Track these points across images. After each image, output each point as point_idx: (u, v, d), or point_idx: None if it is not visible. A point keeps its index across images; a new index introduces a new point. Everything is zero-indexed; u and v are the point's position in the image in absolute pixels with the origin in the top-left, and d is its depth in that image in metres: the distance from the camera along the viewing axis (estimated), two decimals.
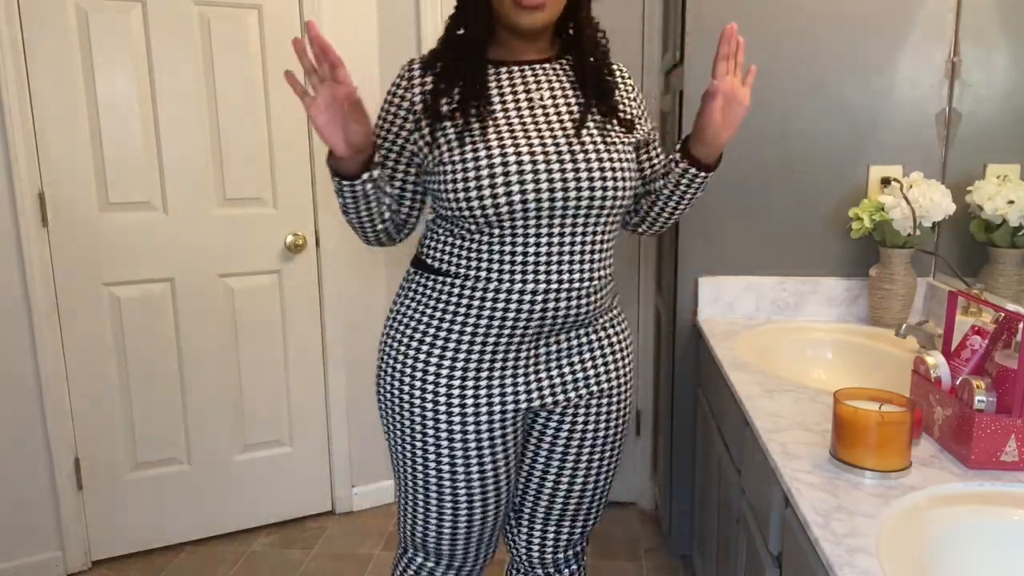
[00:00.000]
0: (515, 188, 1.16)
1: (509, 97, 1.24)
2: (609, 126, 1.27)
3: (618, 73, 1.36)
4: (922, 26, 1.80)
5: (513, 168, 1.16)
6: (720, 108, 1.24)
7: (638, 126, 1.34)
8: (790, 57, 1.85)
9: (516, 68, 1.27)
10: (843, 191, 1.90)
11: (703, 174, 1.30)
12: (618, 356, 1.37)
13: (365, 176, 1.17)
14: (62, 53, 2.13)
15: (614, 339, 1.36)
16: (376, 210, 1.24)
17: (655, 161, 1.40)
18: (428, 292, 1.27)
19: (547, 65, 1.29)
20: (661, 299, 2.40)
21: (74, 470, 2.30)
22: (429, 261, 1.28)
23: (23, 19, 2.08)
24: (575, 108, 1.26)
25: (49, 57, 2.12)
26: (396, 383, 1.28)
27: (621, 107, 1.32)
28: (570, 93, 1.27)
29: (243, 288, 2.45)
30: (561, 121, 1.24)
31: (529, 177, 1.17)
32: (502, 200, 1.16)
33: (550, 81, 1.27)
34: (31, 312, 2.17)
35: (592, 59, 1.29)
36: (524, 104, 1.24)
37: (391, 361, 1.29)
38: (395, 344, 1.29)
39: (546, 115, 1.23)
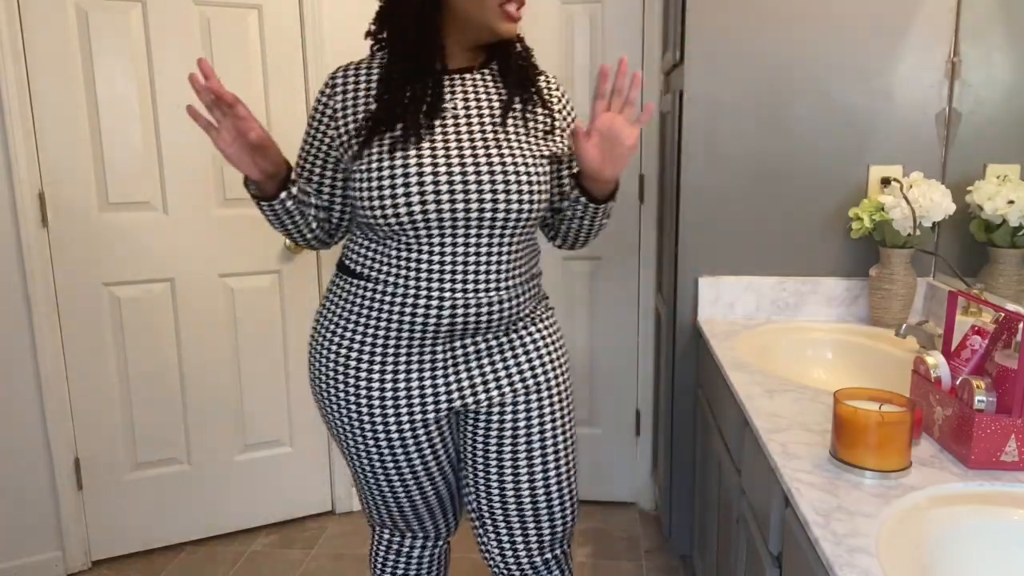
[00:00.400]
0: (415, 199, 1.18)
1: (439, 105, 1.27)
2: (528, 135, 1.28)
3: (545, 82, 1.36)
4: (922, 26, 1.80)
5: (414, 179, 1.19)
6: (596, 146, 1.21)
7: (559, 137, 1.33)
8: (790, 57, 1.85)
9: (446, 77, 1.28)
10: (843, 191, 1.90)
11: (595, 205, 1.29)
12: (543, 355, 1.35)
13: (283, 195, 1.22)
14: (62, 53, 2.13)
15: (539, 340, 1.35)
16: (302, 222, 1.30)
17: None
18: (347, 296, 1.30)
19: (475, 73, 1.31)
20: (661, 299, 2.40)
21: (74, 470, 2.30)
22: (349, 264, 1.32)
23: (23, 19, 2.08)
24: (497, 117, 1.27)
25: (49, 57, 2.12)
26: (322, 382, 1.33)
27: (542, 116, 1.32)
28: (494, 101, 1.29)
29: (243, 288, 2.45)
30: (481, 129, 1.25)
31: (430, 188, 1.19)
32: (403, 210, 1.19)
33: (476, 89, 1.29)
34: (31, 312, 2.17)
35: (517, 67, 1.31)
36: (449, 113, 1.25)
37: (315, 362, 1.33)
38: (319, 346, 1.33)
39: (468, 123, 1.25)
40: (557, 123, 1.33)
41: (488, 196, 1.20)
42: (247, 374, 2.49)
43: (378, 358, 1.27)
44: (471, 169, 1.20)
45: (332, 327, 1.31)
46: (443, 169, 1.20)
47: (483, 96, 1.28)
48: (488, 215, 1.21)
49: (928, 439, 1.17)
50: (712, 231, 1.96)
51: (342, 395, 1.30)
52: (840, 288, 1.92)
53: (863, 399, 1.08)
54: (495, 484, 1.36)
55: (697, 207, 1.95)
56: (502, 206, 1.21)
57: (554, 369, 1.37)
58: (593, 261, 2.60)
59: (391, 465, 1.34)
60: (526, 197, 1.23)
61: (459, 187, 1.19)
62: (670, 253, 2.07)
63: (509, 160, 1.23)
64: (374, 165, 1.21)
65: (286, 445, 2.59)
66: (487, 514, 1.39)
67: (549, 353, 1.37)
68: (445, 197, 1.19)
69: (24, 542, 2.26)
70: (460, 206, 1.19)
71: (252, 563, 2.38)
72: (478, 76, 1.30)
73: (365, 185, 1.21)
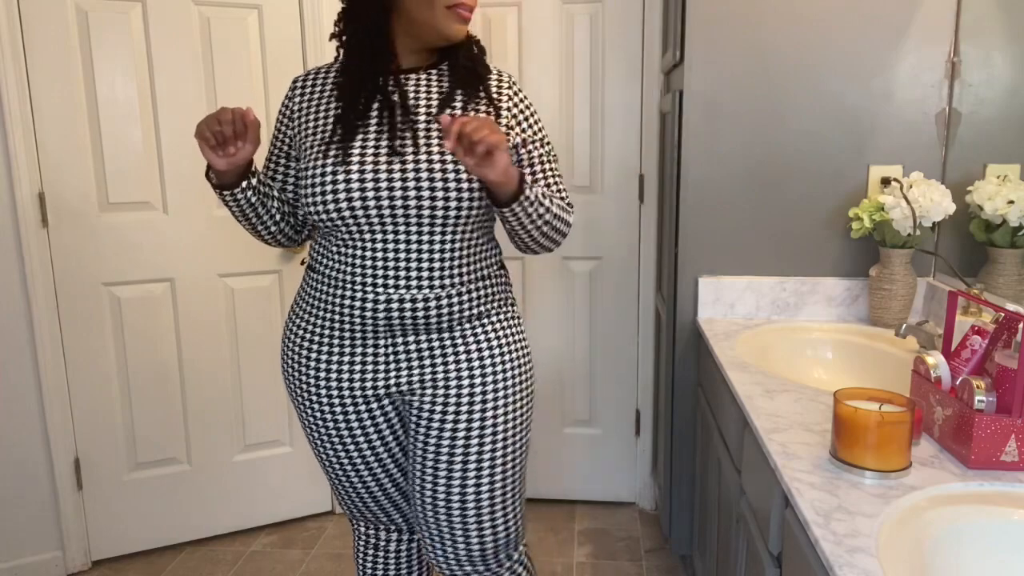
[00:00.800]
0: (342, 196, 1.22)
1: (379, 105, 1.29)
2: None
3: (496, 80, 1.34)
4: (922, 26, 1.80)
5: (341, 177, 1.22)
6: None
7: (505, 125, 1.30)
8: (790, 57, 1.85)
9: (392, 78, 1.31)
10: (843, 191, 1.90)
11: (501, 208, 1.22)
12: (487, 361, 1.32)
13: (244, 184, 1.27)
14: (62, 53, 2.13)
15: (484, 344, 1.33)
16: (265, 215, 1.34)
17: (536, 170, 1.34)
18: (305, 288, 1.37)
19: (421, 73, 1.32)
20: (661, 299, 2.40)
21: (74, 470, 2.30)
22: (310, 260, 1.37)
23: (23, 19, 2.08)
24: (434, 114, 1.28)
25: (49, 57, 2.12)
26: (284, 368, 1.40)
27: (483, 113, 1.30)
28: (433, 100, 1.29)
29: (243, 288, 2.45)
30: (413, 128, 1.26)
31: (356, 186, 1.22)
32: (332, 207, 1.22)
33: (418, 89, 1.31)
34: (31, 312, 2.17)
35: (463, 66, 1.31)
36: (423, 109, 1.28)
37: (282, 350, 1.41)
38: (285, 335, 1.41)
39: (402, 123, 1.27)
40: (503, 120, 1.31)
41: (413, 194, 1.22)
42: (247, 374, 2.49)
43: (325, 347, 1.32)
44: (397, 167, 1.22)
45: (293, 317, 1.39)
46: (370, 167, 1.23)
47: (423, 95, 1.30)
48: (414, 213, 1.23)
49: (928, 439, 1.17)
50: (712, 231, 1.96)
51: (297, 379, 1.37)
52: (840, 288, 1.92)
53: (863, 399, 1.08)
54: (427, 485, 1.34)
55: (697, 207, 1.95)
56: (427, 203, 1.22)
57: (502, 376, 1.33)
58: (593, 261, 2.60)
59: (340, 449, 1.38)
60: (453, 195, 1.23)
61: (384, 184, 1.22)
62: (670, 253, 2.07)
63: (437, 158, 1.23)
64: (311, 164, 1.26)
65: (286, 445, 2.59)
66: (419, 514, 1.37)
67: (495, 358, 1.33)
68: (371, 195, 1.22)
69: (24, 542, 2.26)
70: (385, 203, 1.22)
71: (252, 563, 2.38)
72: (423, 76, 1.32)
73: (304, 183, 1.26)
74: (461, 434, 1.31)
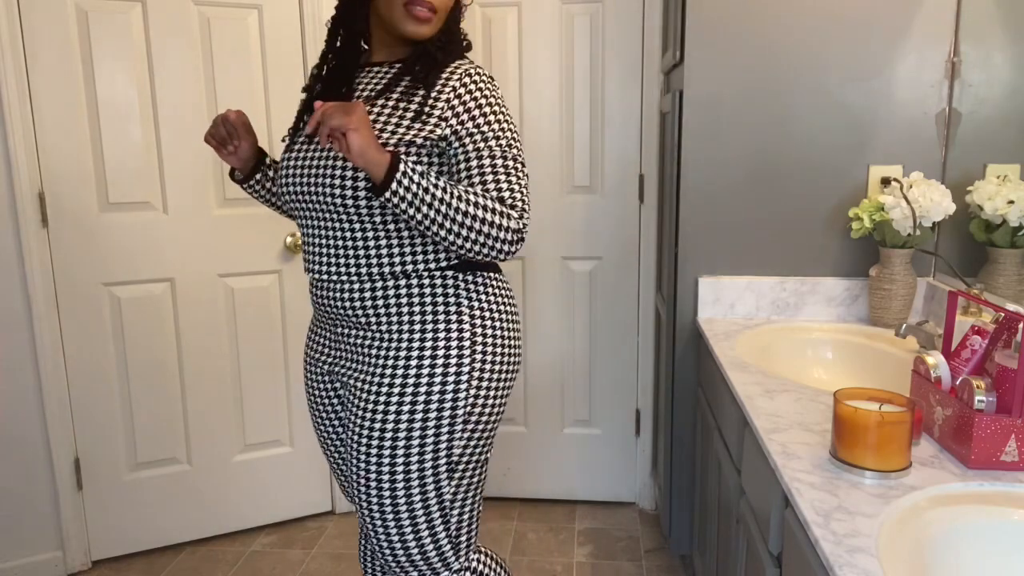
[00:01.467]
0: (280, 183, 1.34)
1: (364, 95, 1.33)
2: (389, 121, 1.25)
3: (448, 72, 1.27)
4: (922, 26, 1.80)
5: (282, 165, 1.34)
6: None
7: (434, 123, 1.24)
8: (790, 57, 1.85)
9: (367, 69, 1.36)
10: (843, 191, 1.90)
11: (376, 195, 1.15)
12: (394, 368, 1.28)
13: (258, 176, 1.46)
14: (62, 53, 2.13)
15: (399, 352, 1.28)
16: (280, 202, 1.45)
17: (461, 175, 1.25)
18: None
19: (386, 66, 1.34)
20: (661, 299, 2.40)
21: (74, 470, 2.30)
22: None
23: (23, 19, 2.08)
24: (371, 103, 1.29)
25: (49, 57, 2.12)
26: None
27: (418, 100, 1.25)
28: (377, 90, 1.31)
29: (243, 288, 2.45)
30: (382, 116, 1.28)
31: (288, 173, 1.32)
32: (279, 193, 1.36)
33: (375, 81, 1.33)
34: (31, 312, 2.17)
35: (424, 57, 1.28)
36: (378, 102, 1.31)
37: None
38: None
39: (377, 111, 1.31)
40: (436, 111, 1.24)
41: (318, 180, 1.26)
42: (247, 374, 2.49)
43: (311, 325, 1.46)
44: (311, 155, 1.29)
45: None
46: (295, 157, 1.32)
47: (372, 86, 1.32)
48: (324, 199, 1.25)
49: (928, 439, 1.17)
50: (712, 231, 1.96)
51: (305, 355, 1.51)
52: (840, 288, 1.92)
53: (863, 399, 1.08)
54: (352, 472, 1.33)
55: (697, 207, 1.95)
56: (328, 190, 1.24)
57: (413, 384, 1.27)
58: (593, 261, 2.60)
59: (315, 424, 1.50)
60: (338, 184, 1.23)
61: (304, 172, 1.28)
62: (670, 253, 2.07)
63: (328, 157, 1.26)
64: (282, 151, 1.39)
65: (286, 445, 2.59)
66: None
67: (407, 365, 1.27)
68: (295, 182, 1.30)
69: (24, 542, 2.26)
70: (303, 190, 1.29)
71: (252, 563, 2.38)
72: (386, 68, 1.33)
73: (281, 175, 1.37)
74: (365, 433, 1.29)
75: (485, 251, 1.21)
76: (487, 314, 1.32)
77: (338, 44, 1.37)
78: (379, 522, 1.30)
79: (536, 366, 2.69)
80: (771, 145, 1.90)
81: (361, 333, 1.32)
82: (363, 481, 1.29)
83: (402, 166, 1.11)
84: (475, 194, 1.18)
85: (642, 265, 2.57)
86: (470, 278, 1.31)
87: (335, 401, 1.44)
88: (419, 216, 1.15)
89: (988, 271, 1.59)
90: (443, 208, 1.15)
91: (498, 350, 1.32)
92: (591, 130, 2.52)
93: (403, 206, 1.13)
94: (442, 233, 1.17)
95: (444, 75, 1.27)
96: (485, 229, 1.18)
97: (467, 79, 1.26)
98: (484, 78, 1.28)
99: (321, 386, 1.44)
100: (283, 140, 1.41)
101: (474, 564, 1.39)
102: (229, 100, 2.33)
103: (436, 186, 1.14)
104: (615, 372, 2.66)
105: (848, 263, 1.93)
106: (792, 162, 1.90)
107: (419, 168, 1.14)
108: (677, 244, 1.99)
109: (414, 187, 1.12)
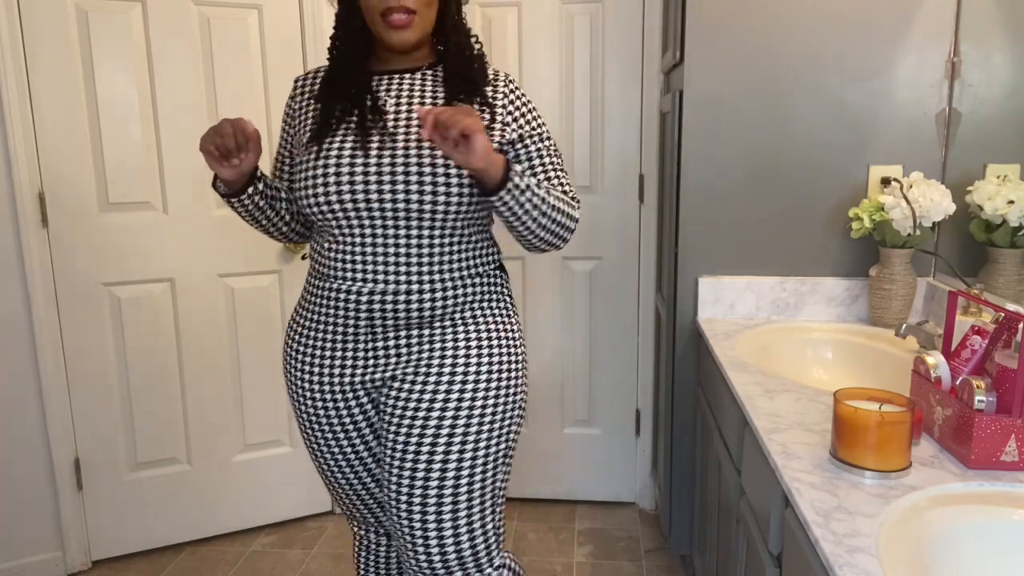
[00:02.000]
0: (332, 189, 1.25)
1: (372, 102, 1.31)
2: None
3: (493, 80, 1.35)
4: (922, 26, 1.80)
5: (332, 171, 1.25)
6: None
7: (497, 134, 1.31)
8: (790, 57, 1.85)
9: (386, 78, 1.34)
10: (843, 191, 1.90)
11: (488, 197, 1.21)
12: (461, 362, 1.31)
13: (250, 190, 1.29)
14: (62, 53, 2.13)
15: (461, 347, 1.31)
16: (274, 216, 1.37)
17: (535, 163, 1.34)
18: (306, 284, 1.39)
19: (418, 73, 1.35)
20: (661, 299, 2.40)
21: (74, 470, 2.30)
22: (310, 252, 1.40)
23: (23, 19, 2.08)
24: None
25: (49, 57, 2.12)
26: (284, 364, 1.42)
27: (487, 102, 1.32)
28: (427, 100, 1.32)
29: (243, 288, 2.45)
30: (406, 126, 1.28)
31: (345, 179, 1.24)
32: (322, 199, 1.26)
33: (411, 89, 1.33)
34: (31, 312, 2.17)
35: (458, 65, 1.33)
36: (404, 110, 1.30)
37: (284, 349, 1.43)
38: (287, 331, 1.43)
39: (395, 120, 1.29)
40: (497, 119, 1.32)
41: (401, 188, 1.24)
42: (247, 374, 2.49)
43: (313, 341, 1.35)
44: (387, 162, 1.25)
45: (294, 313, 1.42)
46: (360, 161, 1.25)
47: (417, 95, 1.32)
48: (402, 207, 1.24)
49: (928, 439, 1.17)
50: (712, 231, 1.96)
51: (292, 373, 1.39)
52: (840, 288, 1.92)
53: (863, 399, 1.08)
54: (397, 483, 1.30)
55: (697, 207, 1.95)
56: (415, 198, 1.24)
57: (476, 375, 1.31)
58: (593, 261, 2.60)
59: (323, 444, 1.40)
60: (442, 191, 1.24)
61: (373, 179, 1.24)
62: (670, 253, 2.07)
63: (427, 155, 1.25)
64: (303, 159, 1.29)
65: (286, 445, 2.59)
66: (393, 519, 1.33)
67: (470, 357, 1.31)
68: (360, 188, 1.24)
69: (24, 542, 2.26)
70: (374, 197, 1.24)
71: (252, 563, 2.38)
72: (417, 76, 1.34)
73: (298, 178, 1.29)
74: (431, 429, 1.29)
75: (558, 242, 1.32)
76: (513, 309, 1.43)
77: (341, 51, 1.35)
78: (435, 523, 1.29)
79: (536, 366, 2.69)
80: (771, 145, 1.90)
81: (426, 334, 1.30)
82: (421, 486, 1.28)
83: (516, 165, 1.19)
84: (555, 189, 1.30)
85: (642, 265, 2.57)
86: (503, 275, 1.42)
87: (360, 420, 1.37)
88: (520, 212, 1.22)
89: (988, 271, 1.59)
90: (541, 205, 1.24)
91: (523, 341, 1.44)
92: (591, 130, 2.52)
93: (511, 204, 1.20)
94: (534, 227, 1.26)
95: (488, 87, 1.34)
96: (565, 221, 1.30)
97: (511, 84, 1.37)
98: (516, 82, 1.39)
99: (342, 406, 1.36)
100: (302, 147, 1.31)
101: (507, 561, 1.42)
102: (229, 100, 2.33)
103: (538, 184, 1.24)
104: (615, 372, 2.66)
105: (848, 263, 1.93)
106: (792, 162, 1.90)
107: (519, 167, 1.23)
108: (677, 244, 1.99)
109: (522, 184, 1.20)
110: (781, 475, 1.06)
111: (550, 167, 1.35)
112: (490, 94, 1.33)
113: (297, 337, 1.38)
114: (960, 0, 1.76)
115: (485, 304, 1.35)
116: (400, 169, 1.24)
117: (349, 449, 1.40)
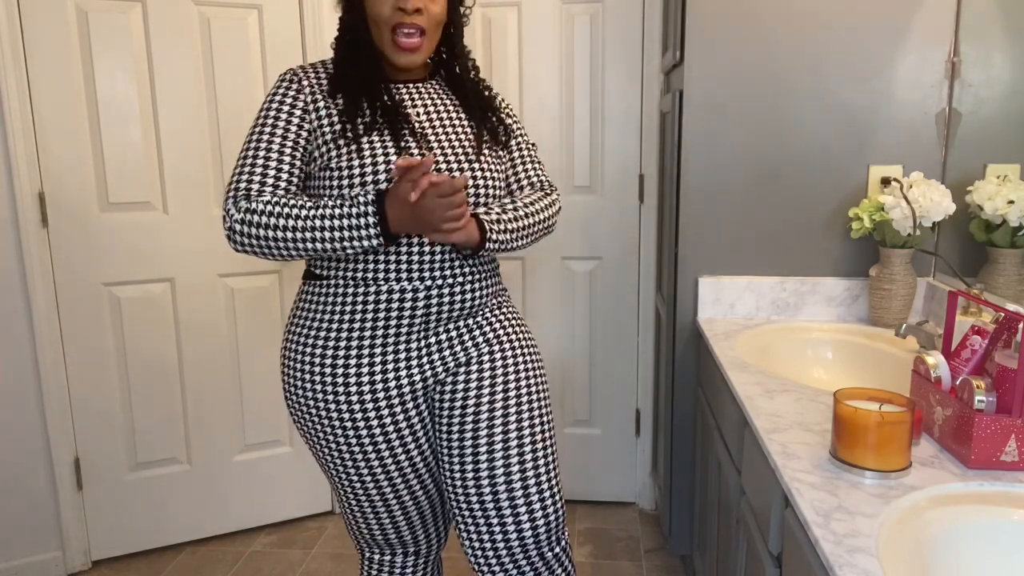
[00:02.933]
0: (382, 189, 1.22)
1: (412, 112, 1.33)
2: (491, 147, 1.38)
3: (488, 93, 1.44)
4: (922, 26, 1.80)
5: (383, 169, 1.23)
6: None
7: (513, 143, 1.44)
8: (790, 57, 1.85)
9: (403, 86, 1.35)
10: (843, 191, 1.90)
11: (472, 254, 1.32)
12: (511, 338, 1.41)
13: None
14: (62, 53, 2.13)
15: (505, 324, 1.41)
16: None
17: (520, 175, 1.45)
18: (319, 299, 1.31)
19: (423, 84, 1.38)
20: (661, 299, 2.40)
21: (74, 470, 2.30)
22: (317, 271, 1.33)
23: (23, 19, 2.08)
24: (467, 124, 1.36)
25: (49, 57, 2.12)
26: (298, 386, 1.32)
27: (500, 126, 1.41)
28: (451, 111, 1.37)
29: (243, 288, 2.45)
30: (455, 132, 1.33)
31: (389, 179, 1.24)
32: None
33: (433, 99, 1.37)
34: (31, 312, 2.17)
35: (471, 78, 1.40)
36: (425, 119, 1.33)
37: (291, 369, 1.33)
38: (293, 353, 1.33)
39: (445, 130, 1.33)
40: (512, 133, 1.44)
41: (471, 195, 1.32)
42: (247, 374, 2.49)
43: (354, 351, 1.29)
44: (451, 166, 1.30)
45: (310, 333, 1.31)
46: (443, 167, 1.30)
47: (440, 106, 1.36)
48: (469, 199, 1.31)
49: (928, 439, 1.17)
50: (712, 231, 1.96)
51: (320, 396, 1.30)
52: (840, 288, 1.92)
53: (863, 399, 1.08)
54: (467, 468, 1.32)
55: (697, 207, 1.95)
56: (471, 200, 1.31)
57: (528, 350, 1.42)
58: (593, 261, 2.60)
59: (374, 461, 1.33)
60: (481, 188, 1.33)
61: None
62: (670, 253, 2.07)
63: (462, 155, 1.31)
64: (339, 157, 1.24)
65: (286, 445, 2.59)
66: (461, 508, 1.34)
67: (518, 334, 1.42)
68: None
69: (24, 542, 2.26)
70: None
71: (252, 563, 2.38)
72: (430, 86, 1.38)
73: (335, 176, 1.24)
74: (499, 405, 1.34)
75: (546, 235, 1.45)
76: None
77: (347, 58, 1.33)
78: (520, 499, 1.32)
79: None
80: (771, 145, 1.90)
81: (468, 324, 1.36)
82: (496, 464, 1.31)
83: (488, 226, 1.26)
84: (530, 200, 1.38)
85: (642, 265, 2.57)
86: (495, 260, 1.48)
87: (416, 423, 1.34)
88: (506, 247, 1.32)
89: (988, 271, 1.59)
90: (522, 230, 1.34)
91: None
92: (591, 130, 2.52)
93: (496, 248, 1.29)
94: (519, 246, 1.36)
95: (497, 99, 1.45)
96: (546, 224, 1.41)
97: (500, 97, 1.46)
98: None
99: (399, 412, 1.32)
100: (343, 153, 1.25)
101: (566, 540, 1.42)
102: (229, 100, 2.33)
103: (514, 212, 1.33)
104: (615, 372, 2.66)
105: (848, 263, 1.93)
106: (792, 162, 1.90)
107: (491, 214, 1.29)
108: (677, 244, 1.99)
109: (500, 232, 1.29)
110: (781, 475, 1.06)
111: (528, 161, 1.45)
112: (496, 108, 1.44)
113: (321, 351, 1.29)
114: (960, 0, 1.76)
115: (502, 295, 1.45)
116: (443, 167, 1.28)
117: (405, 456, 1.35)
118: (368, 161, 1.24)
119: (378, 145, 1.25)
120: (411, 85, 1.36)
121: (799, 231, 1.93)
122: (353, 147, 1.24)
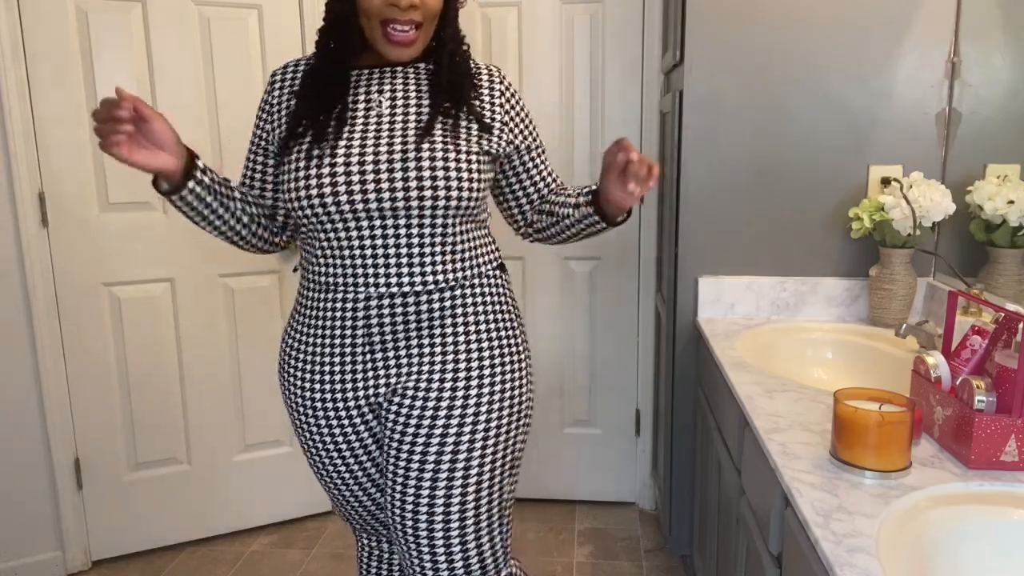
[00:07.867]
0: (327, 191, 1.20)
1: (361, 100, 1.28)
2: (459, 129, 1.27)
3: (487, 77, 1.34)
4: (922, 26, 1.80)
5: (327, 171, 1.21)
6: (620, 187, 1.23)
7: (498, 134, 1.31)
8: (790, 57, 1.85)
9: (377, 71, 1.31)
10: (843, 191, 1.90)
11: (603, 224, 1.29)
12: (465, 366, 1.28)
13: (191, 183, 1.23)
14: (62, 53, 2.13)
15: (470, 351, 1.29)
16: (228, 216, 1.29)
17: (541, 169, 1.39)
18: (300, 295, 1.34)
19: (410, 68, 1.32)
20: (661, 299, 2.40)
21: (74, 470, 2.30)
22: (302, 264, 1.35)
23: (23, 19, 2.08)
24: (425, 110, 1.27)
25: (49, 57, 2.12)
26: (281, 378, 1.38)
27: (478, 110, 1.30)
28: (423, 97, 1.29)
29: (243, 288, 2.45)
30: (406, 123, 1.25)
31: (341, 180, 1.20)
32: (316, 202, 1.21)
33: (406, 85, 1.30)
34: (31, 312, 2.17)
35: (449, 63, 1.30)
36: (373, 108, 1.27)
37: (279, 359, 1.39)
38: (282, 344, 1.39)
39: (391, 118, 1.26)
40: (497, 116, 1.31)
41: (400, 186, 1.20)
42: (247, 374, 2.49)
43: (313, 355, 1.30)
44: (384, 159, 1.21)
45: (287, 327, 1.38)
46: (355, 160, 1.21)
47: (412, 92, 1.29)
48: (401, 206, 1.20)
49: (928, 439, 1.17)
50: (712, 231, 1.96)
51: (291, 388, 1.35)
52: (840, 288, 1.92)
53: (863, 399, 1.08)
54: (403, 496, 1.27)
55: (697, 207, 1.95)
56: (414, 195, 1.20)
57: (487, 380, 1.29)
58: (593, 261, 2.60)
59: (328, 460, 1.35)
60: (452, 188, 1.21)
61: (370, 178, 1.20)
62: (670, 253, 2.07)
63: (425, 152, 1.21)
64: (293, 158, 1.24)
65: (286, 445, 2.59)
66: (398, 535, 1.29)
67: (480, 362, 1.29)
68: (357, 188, 1.19)
69: (24, 542, 2.26)
70: (372, 196, 1.20)
71: (252, 563, 2.38)
72: (411, 71, 1.31)
73: (290, 178, 1.23)
74: (436, 440, 1.25)
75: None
76: (516, 310, 1.40)
77: (330, 48, 1.31)
78: (443, 535, 1.25)
79: (536, 366, 2.69)
80: (771, 145, 1.90)
81: (426, 342, 1.27)
82: (427, 497, 1.24)
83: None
84: (565, 196, 1.36)
85: (642, 265, 2.57)
86: (504, 275, 1.38)
87: (365, 436, 1.33)
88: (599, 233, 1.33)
89: (988, 271, 1.59)
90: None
91: (527, 341, 1.42)
92: (591, 130, 2.52)
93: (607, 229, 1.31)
94: (574, 240, 1.37)
95: (484, 87, 1.33)
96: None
97: (505, 83, 1.36)
98: (508, 79, 1.38)
99: (346, 424, 1.32)
100: (293, 145, 1.26)
101: (514, 569, 1.38)
102: (229, 100, 2.33)
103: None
104: (615, 372, 2.66)
105: (848, 263, 1.93)
106: (792, 162, 1.90)
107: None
108: (677, 244, 1.99)
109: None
110: (781, 475, 1.06)
111: (543, 163, 1.40)
112: (485, 95, 1.32)
113: (295, 354, 1.33)
114: (960, 0, 1.76)
115: (488, 307, 1.32)
116: (398, 167, 1.20)
117: (356, 467, 1.35)
118: (293, 158, 1.24)
119: (329, 140, 1.24)
120: (387, 69, 1.30)
121: (799, 231, 1.93)
122: (303, 145, 1.25)
